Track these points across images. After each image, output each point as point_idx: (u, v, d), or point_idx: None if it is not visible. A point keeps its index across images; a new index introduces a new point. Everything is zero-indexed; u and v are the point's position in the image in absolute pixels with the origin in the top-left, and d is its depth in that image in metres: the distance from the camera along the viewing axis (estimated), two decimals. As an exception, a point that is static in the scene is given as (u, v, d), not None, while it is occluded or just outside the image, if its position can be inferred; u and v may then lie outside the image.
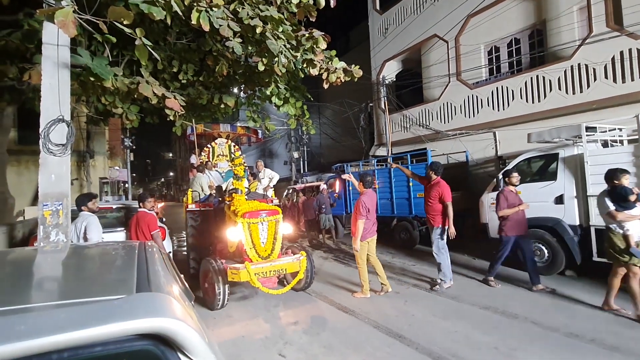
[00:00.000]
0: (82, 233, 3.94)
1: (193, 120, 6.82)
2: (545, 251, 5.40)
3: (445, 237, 5.01)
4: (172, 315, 0.87)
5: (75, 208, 4.01)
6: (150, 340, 0.84)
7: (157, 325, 0.82)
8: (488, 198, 6.28)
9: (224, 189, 6.07)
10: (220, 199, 5.85)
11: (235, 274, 4.19)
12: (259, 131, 8.74)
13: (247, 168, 6.84)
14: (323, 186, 9.70)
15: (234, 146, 8.25)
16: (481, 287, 5.03)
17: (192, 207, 6.20)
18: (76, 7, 2.88)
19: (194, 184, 6.68)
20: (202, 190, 6.66)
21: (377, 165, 10.12)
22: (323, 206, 9.14)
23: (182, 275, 1.78)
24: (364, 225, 4.67)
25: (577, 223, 5.12)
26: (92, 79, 4.25)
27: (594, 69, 7.29)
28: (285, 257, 4.78)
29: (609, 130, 5.32)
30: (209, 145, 7.84)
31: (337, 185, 10.26)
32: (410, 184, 8.09)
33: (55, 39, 3.48)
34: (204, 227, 6.01)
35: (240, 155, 8.22)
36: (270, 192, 6.72)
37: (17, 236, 6.04)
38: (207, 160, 7.70)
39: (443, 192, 4.92)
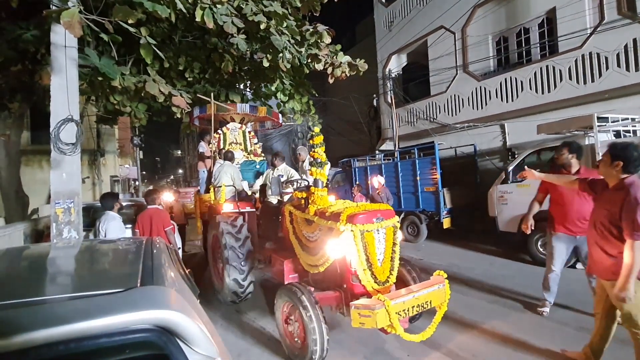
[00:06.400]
0: (104, 233, 3.95)
1: (212, 95, 5.86)
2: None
3: None
4: (173, 308, 0.90)
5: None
6: (152, 332, 0.86)
7: (159, 317, 0.85)
8: (497, 191, 6.22)
9: (260, 184, 5.13)
10: (264, 197, 4.75)
11: (367, 317, 2.56)
12: (280, 115, 7.63)
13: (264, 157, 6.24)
14: (379, 179, 7.52)
15: (249, 132, 6.93)
16: (488, 281, 4.99)
17: (229, 208, 4.65)
18: (82, 8, 2.92)
19: (221, 175, 5.05)
20: (234, 183, 5.13)
21: (384, 159, 10.08)
22: None
23: (188, 270, 1.82)
24: None
25: (588, 216, 5.03)
26: (100, 78, 4.32)
27: (606, 58, 7.10)
28: (416, 285, 3.09)
29: (622, 120, 5.19)
30: (219, 131, 6.58)
31: (377, 182, 7.54)
32: (418, 178, 8.03)
33: (63, 40, 3.53)
34: (250, 235, 4.50)
35: (256, 143, 6.98)
36: None
37: (32, 233, 6.22)
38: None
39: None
